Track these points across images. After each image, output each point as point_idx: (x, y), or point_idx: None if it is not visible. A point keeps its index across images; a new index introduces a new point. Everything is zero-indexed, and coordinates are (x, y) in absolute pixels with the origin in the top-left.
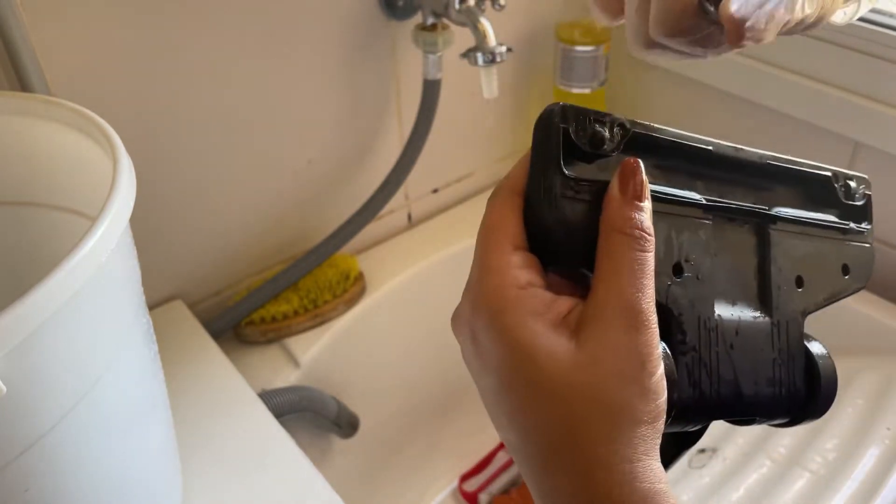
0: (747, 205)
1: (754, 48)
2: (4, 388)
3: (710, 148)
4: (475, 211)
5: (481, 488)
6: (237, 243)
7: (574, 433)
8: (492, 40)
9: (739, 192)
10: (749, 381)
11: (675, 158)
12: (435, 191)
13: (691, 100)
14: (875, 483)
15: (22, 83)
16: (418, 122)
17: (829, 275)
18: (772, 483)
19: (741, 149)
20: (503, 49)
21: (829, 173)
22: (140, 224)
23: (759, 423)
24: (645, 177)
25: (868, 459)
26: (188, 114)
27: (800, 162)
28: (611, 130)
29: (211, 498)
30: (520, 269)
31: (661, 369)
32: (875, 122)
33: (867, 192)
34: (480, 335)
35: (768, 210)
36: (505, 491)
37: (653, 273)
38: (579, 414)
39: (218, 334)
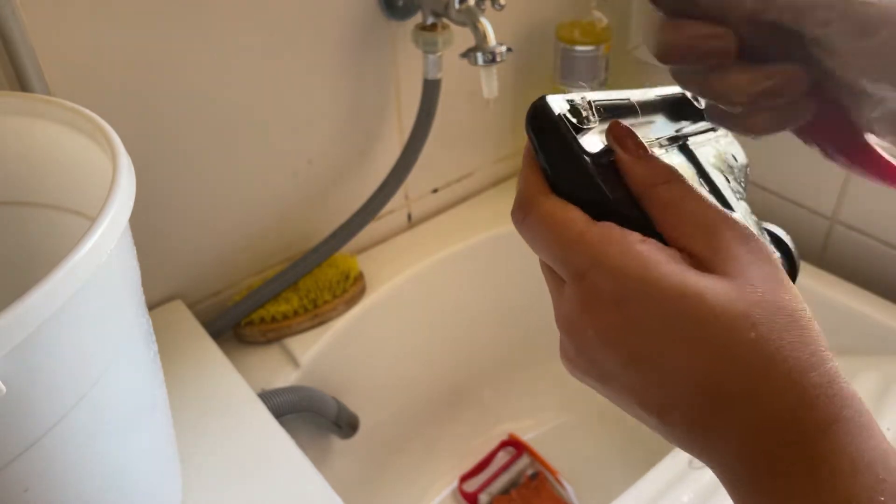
0: (670, 133)
1: None
2: (4, 389)
3: (629, 98)
4: (475, 211)
5: (481, 489)
6: (237, 243)
7: (773, 352)
8: (492, 40)
9: (657, 126)
10: None
11: (615, 113)
12: (435, 191)
13: None
14: None
15: (22, 83)
16: (418, 122)
17: (732, 166)
18: None
19: (645, 91)
20: (503, 49)
21: (679, 92)
22: (140, 224)
23: None
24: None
25: None
26: (188, 114)
27: (665, 90)
28: (583, 106)
29: (211, 498)
30: (623, 230)
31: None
32: None
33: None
34: (629, 306)
35: (680, 131)
36: (505, 491)
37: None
38: (771, 330)
39: (218, 334)
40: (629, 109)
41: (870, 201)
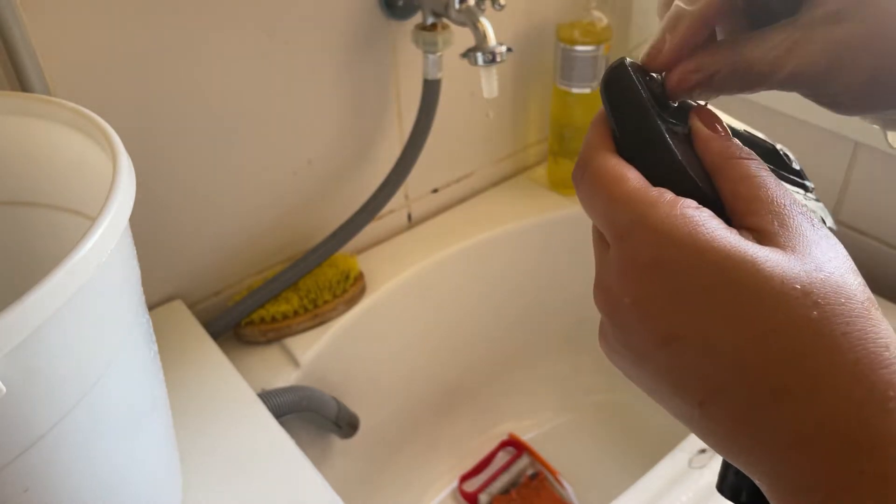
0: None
1: None
2: (4, 389)
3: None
4: (475, 211)
5: (481, 488)
6: (237, 243)
7: (837, 336)
8: (492, 40)
9: None
10: None
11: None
12: (435, 191)
13: None
14: None
15: (22, 83)
16: (418, 122)
17: None
18: None
19: (733, 120)
20: (503, 49)
21: (771, 142)
22: (140, 224)
23: None
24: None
25: None
26: (188, 114)
27: (756, 133)
28: (660, 86)
29: (211, 498)
30: (678, 196)
31: None
32: None
33: (794, 158)
34: (671, 271)
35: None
36: (505, 491)
37: None
38: (837, 312)
39: (218, 334)
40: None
41: (870, 201)
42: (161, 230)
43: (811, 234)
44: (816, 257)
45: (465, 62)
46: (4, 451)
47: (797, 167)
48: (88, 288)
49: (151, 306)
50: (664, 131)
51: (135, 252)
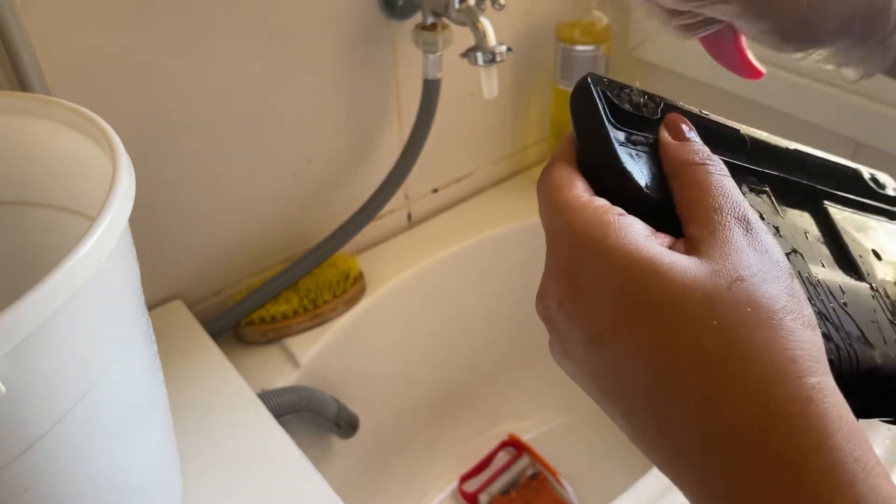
0: (799, 179)
1: (754, 47)
2: (4, 389)
3: (739, 129)
4: (475, 211)
5: (481, 489)
6: (237, 243)
7: (738, 344)
8: (492, 40)
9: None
10: (877, 339)
11: (704, 135)
12: (435, 191)
13: (692, 99)
14: None
15: (22, 83)
16: (418, 122)
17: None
18: None
19: (769, 136)
20: (503, 49)
21: (854, 167)
22: (140, 224)
23: None
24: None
25: None
26: (188, 114)
27: (822, 155)
28: (642, 98)
29: (211, 498)
30: (612, 206)
31: (795, 276)
32: (875, 122)
33: (888, 184)
34: (584, 273)
35: (818, 185)
36: (505, 491)
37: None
38: (739, 321)
39: (218, 334)
40: (730, 138)
41: None
42: (161, 230)
43: (739, 242)
44: (733, 265)
45: (465, 62)
46: (4, 451)
47: (890, 194)
48: (88, 288)
49: (151, 306)
50: (613, 140)
51: (135, 252)
